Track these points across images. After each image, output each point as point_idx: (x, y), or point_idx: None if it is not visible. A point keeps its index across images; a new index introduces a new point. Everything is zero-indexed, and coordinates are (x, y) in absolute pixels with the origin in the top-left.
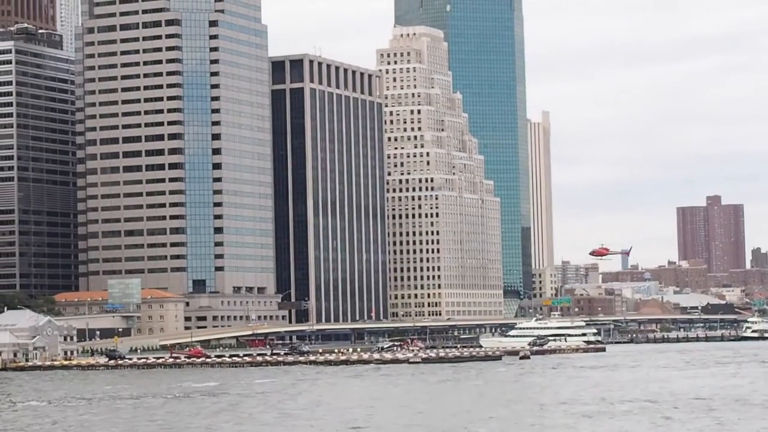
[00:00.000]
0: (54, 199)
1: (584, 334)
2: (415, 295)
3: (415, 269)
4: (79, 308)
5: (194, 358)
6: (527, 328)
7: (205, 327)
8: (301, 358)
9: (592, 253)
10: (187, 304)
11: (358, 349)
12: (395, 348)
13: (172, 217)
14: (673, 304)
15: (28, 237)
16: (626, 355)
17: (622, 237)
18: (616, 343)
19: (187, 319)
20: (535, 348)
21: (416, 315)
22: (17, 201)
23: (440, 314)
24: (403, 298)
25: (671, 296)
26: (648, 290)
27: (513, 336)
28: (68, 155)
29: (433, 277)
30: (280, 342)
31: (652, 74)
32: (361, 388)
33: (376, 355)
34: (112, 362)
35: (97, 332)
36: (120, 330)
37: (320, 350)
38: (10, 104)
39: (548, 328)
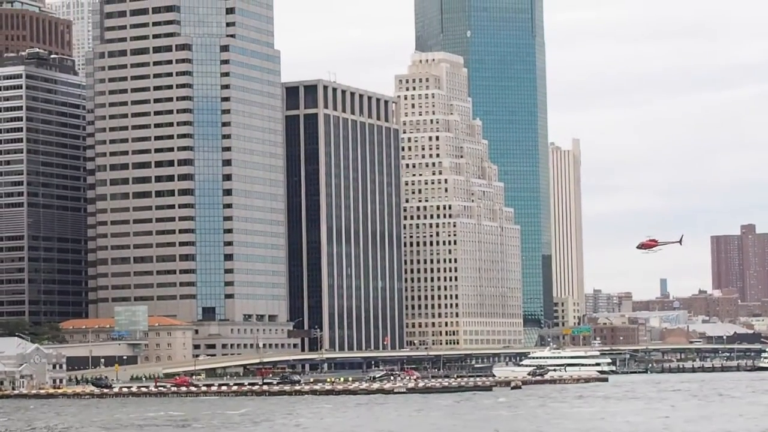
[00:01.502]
0: (64, 225)
1: (598, 364)
2: (433, 324)
3: (432, 297)
4: (86, 335)
5: (180, 387)
6: (541, 358)
7: (215, 355)
8: (286, 388)
9: (640, 246)
10: (197, 331)
11: (350, 379)
12: (388, 378)
13: (182, 244)
14: (699, 333)
15: (37, 263)
16: (626, 385)
17: (656, 266)
18: (632, 372)
19: (197, 347)
20: (534, 378)
21: (433, 344)
22: (27, 227)
23: (458, 343)
24: (420, 326)
25: (699, 325)
26: (677, 319)
27: (525, 366)
28: (79, 181)
29: (451, 305)
30: (291, 370)
31: (686, 103)
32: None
33: (365, 385)
34: (97, 391)
35: (102, 360)
36: (125, 358)
37: (312, 379)
38: (20, 129)
39: (562, 357)
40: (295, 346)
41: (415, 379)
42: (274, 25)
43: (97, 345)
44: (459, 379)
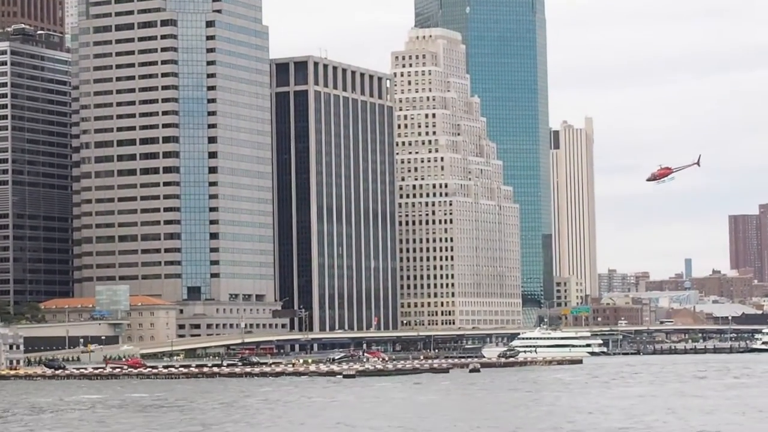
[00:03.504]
0: (50, 204)
1: (588, 345)
2: (428, 304)
3: (428, 277)
4: (70, 315)
5: (131, 369)
6: (530, 338)
7: (199, 335)
8: (237, 370)
9: (652, 178)
10: (181, 311)
11: (309, 360)
12: (348, 359)
13: (167, 222)
14: (707, 314)
15: (23, 242)
16: (598, 368)
17: (675, 245)
18: (623, 354)
19: (181, 326)
20: (502, 360)
21: (429, 324)
22: (12, 205)
23: (454, 323)
24: (415, 306)
25: (707, 306)
26: (688, 299)
27: (521, 346)
28: (66, 158)
29: (447, 285)
30: (279, 351)
31: (701, 84)
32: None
33: (323, 367)
34: (49, 372)
35: (81, 340)
36: (103, 338)
37: (270, 361)
38: (4, 106)
39: (552, 338)
40: (283, 326)
41: (382, 360)
42: (262, 1)
43: (76, 325)
44: (431, 361)
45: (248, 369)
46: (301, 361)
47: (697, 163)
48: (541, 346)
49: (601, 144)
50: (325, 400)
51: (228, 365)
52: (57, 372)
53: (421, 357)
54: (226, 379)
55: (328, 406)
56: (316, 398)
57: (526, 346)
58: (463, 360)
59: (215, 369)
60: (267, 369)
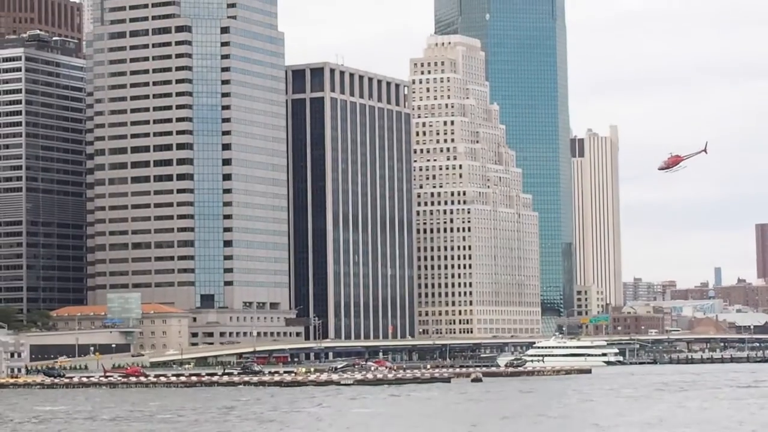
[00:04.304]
0: (65, 211)
1: (604, 354)
2: (446, 312)
3: (446, 285)
4: (82, 323)
5: (130, 377)
6: (545, 347)
7: (212, 344)
8: (235, 379)
9: (664, 167)
10: (195, 319)
11: (312, 369)
12: (351, 369)
13: (180, 230)
14: (729, 323)
15: (36, 249)
16: (605, 378)
17: (702, 254)
18: (639, 363)
19: (194, 335)
20: (510, 370)
21: (447, 332)
22: (25, 212)
23: (472, 331)
24: (433, 315)
25: (731, 315)
26: (712, 308)
27: (530, 355)
28: (80, 165)
29: (465, 293)
30: (293, 360)
31: (728, 92)
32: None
33: (323, 377)
34: (48, 381)
35: (91, 348)
36: (113, 346)
37: (272, 370)
38: (19, 113)
39: (567, 347)
40: (298, 334)
41: (388, 369)
42: (278, 7)
43: (86, 333)
44: (432, 370)
45: (246, 378)
46: (304, 370)
47: (705, 150)
48: (556, 355)
49: (627, 152)
50: (285, 414)
51: (225, 374)
52: (56, 381)
53: (428, 366)
54: (222, 388)
55: (282, 418)
56: (284, 409)
57: (542, 355)
58: (465, 369)
59: (213, 378)
60: (265, 378)
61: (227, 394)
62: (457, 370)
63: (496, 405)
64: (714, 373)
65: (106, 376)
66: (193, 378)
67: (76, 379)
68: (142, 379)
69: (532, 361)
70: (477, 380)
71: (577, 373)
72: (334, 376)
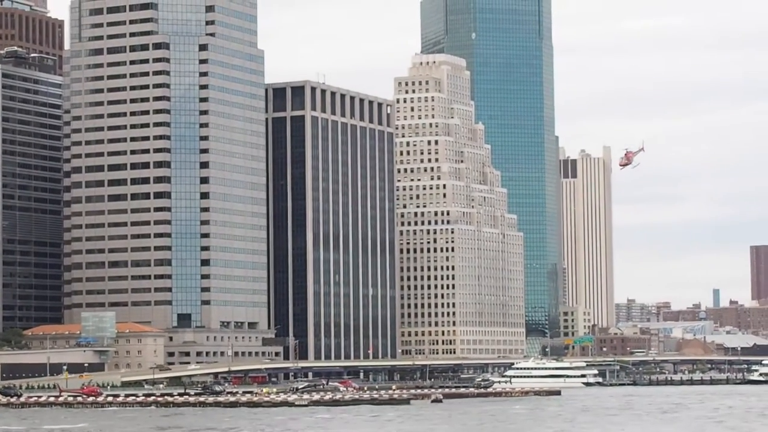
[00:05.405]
0: (42, 229)
1: (584, 375)
2: (429, 333)
3: (429, 305)
4: (57, 342)
5: (85, 397)
6: (524, 368)
7: (189, 363)
8: (191, 399)
9: (623, 164)
10: (171, 338)
11: (274, 390)
12: (314, 388)
13: (157, 248)
14: (717, 344)
15: (13, 267)
16: (572, 399)
17: (697, 276)
18: (619, 384)
19: (171, 354)
20: (477, 391)
21: (429, 353)
22: (2, 230)
23: (454, 352)
24: (416, 335)
25: (719, 336)
26: (702, 330)
27: (508, 376)
28: (58, 183)
29: (448, 314)
30: (270, 380)
31: (722, 114)
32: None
33: (279, 398)
34: (4, 400)
35: (64, 366)
36: (86, 365)
37: (234, 390)
38: None
39: (546, 368)
40: (276, 354)
41: (354, 389)
42: (262, 26)
43: (59, 352)
44: (400, 391)
45: (202, 399)
46: (266, 390)
47: (642, 149)
48: (534, 377)
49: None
50: None
51: (183, 394)
52: (12, 400)
53: (393, 387)
54: (179, 409)
55: None
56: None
57: (520, 376)
58: (425, 391)
59: (168, 399)
60: (221, 399)
61: (173, 414)
62: (417, 391)
63: (423, 426)
64: (666, 396)
65: (62, 395)
66: (150, 399)
67: (33, 399)
68: (99, 399)
69: (499, 382)
70: (437, 401)
71: (546, 394)
72: (291, 397)
